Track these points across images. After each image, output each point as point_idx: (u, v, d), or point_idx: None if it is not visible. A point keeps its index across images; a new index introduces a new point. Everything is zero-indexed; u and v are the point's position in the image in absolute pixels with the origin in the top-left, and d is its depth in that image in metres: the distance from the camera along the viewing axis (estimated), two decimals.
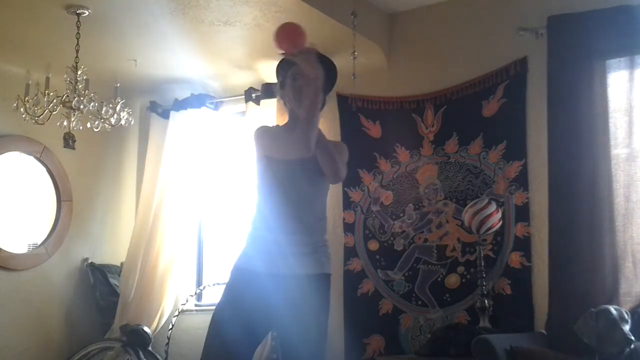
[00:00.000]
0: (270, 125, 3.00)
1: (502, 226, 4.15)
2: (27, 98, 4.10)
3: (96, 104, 4.18)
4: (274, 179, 2.83)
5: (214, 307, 2.81)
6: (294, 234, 2.74)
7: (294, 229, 2.75)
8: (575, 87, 3.95)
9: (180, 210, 5.32)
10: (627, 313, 3.37)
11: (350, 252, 4.74)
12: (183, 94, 5.43)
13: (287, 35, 2.73)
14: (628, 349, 3.23)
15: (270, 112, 5.00)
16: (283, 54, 2.75)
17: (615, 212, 3.82)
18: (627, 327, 3.28)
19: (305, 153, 2.67)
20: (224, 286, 2.81)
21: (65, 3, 3.99)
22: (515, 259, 4.18)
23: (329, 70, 2.83)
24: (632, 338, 3.24)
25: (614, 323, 3.28)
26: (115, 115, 4.26)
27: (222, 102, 5.42)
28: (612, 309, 3.35)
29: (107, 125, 4.29)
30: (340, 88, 4.84)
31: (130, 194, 5.80)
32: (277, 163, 2.80)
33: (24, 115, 4.11)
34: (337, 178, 2.86)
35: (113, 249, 5.59)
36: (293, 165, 2.78)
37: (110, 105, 4.26)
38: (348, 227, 4.77)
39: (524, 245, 4.17)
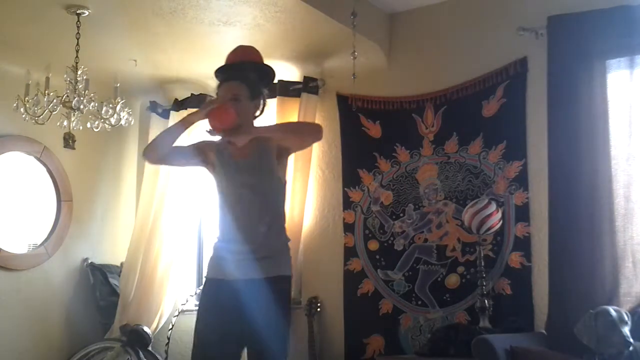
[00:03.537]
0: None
1: (502, 226, 4.15)
2: (27, 98, 4.10)
3: (96, 104, 4.18)
4: (217, 187, 2.99)
5: None
6: (242, 242, 2.83)
7: (241, 238, 2.84)
8: (575, 87, 3.95)
9: (181, 210, 5.32)
10: (627, 314, 3.36)
11: (350, 252, 4.74)
12: (183, 94, 5.43)
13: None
14: (627, 351, 3.23)
15: (271, 112, 5.00)
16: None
17: (615, 212, 3.81)
18: (626, 329, 3.27)
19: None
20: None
21: (65, 3, 3.99)
22: (515, 259, 4.18)
23: (265, 74, 3.10)
24: (631, 340, 3.23)
25: (613, 324, 3.27)
26: (115, 115, 4.26)
27: None
28: (612, 310, 3.34)
29: (107, 125, 4.28)
30: (340, 88, 4.88)
31: (130, 194, 5.80)
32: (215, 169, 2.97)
33: (24, 115, 4.11)
34: (306, 138, 3.06)
35: (113, 249, 5.59)
36: (230, 170, 2.91)
37: (110, 105, 4.26)
38: (348, 227, 4.77)
39: (524, 245, 4.17)
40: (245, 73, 3.00)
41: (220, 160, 2.94)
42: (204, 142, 3.02)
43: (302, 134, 3.06)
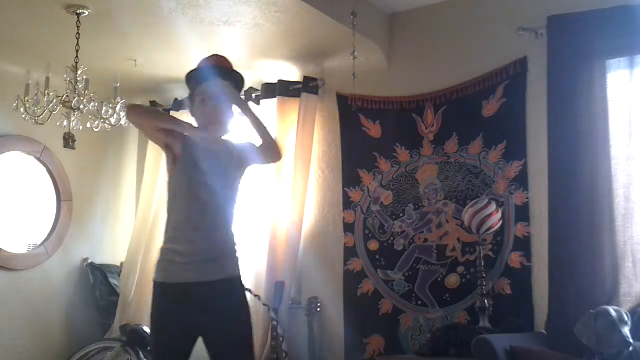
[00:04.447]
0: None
1: (502, 226, 4.15)
2: (27, 98, 4.10)
3: (96, 104, 4.18)
4: (173, 184, 2.92)
5: None
6: (195, 244, 2.78)
7: (195, 239, 2.79)
8: (575, 87, 3.95)
9: None
10: (627, 314, 3.36)
11: (350, 252, 4.74)
12: (183, 94, 5.41)
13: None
14: (627, 351, 3.22)
15: (271, 112, 5.00)
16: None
17: (615, 212, 3.81)
18: (626, 329, 3.27)
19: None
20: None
21: (65, 3, 3.99)
22: (515, 259, 4.18)
23: (238, 81, 3.07)
24: (631, 341, 3.23)
25: (613, 324, 3.27)
26: (115, 115, 4.26)
27: None
28: (612, 310, 3.34)
29: (107, 125, 4.29)
30: (340, 88, 4.88)
31: (130, 194, 5.80)
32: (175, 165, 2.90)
33: (24, 115, 4.12)
34: (274, 152, 3.01)
35: (113, 249, 5.59)
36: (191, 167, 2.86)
37: (110, 105, 4.26)
38: (348, 227, 4.77)
39: (524, 245, 4.17)
40: (223, 77, 2.98)
41: (186, 153, 2.87)
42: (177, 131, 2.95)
43: (271, 150, 3.01)
